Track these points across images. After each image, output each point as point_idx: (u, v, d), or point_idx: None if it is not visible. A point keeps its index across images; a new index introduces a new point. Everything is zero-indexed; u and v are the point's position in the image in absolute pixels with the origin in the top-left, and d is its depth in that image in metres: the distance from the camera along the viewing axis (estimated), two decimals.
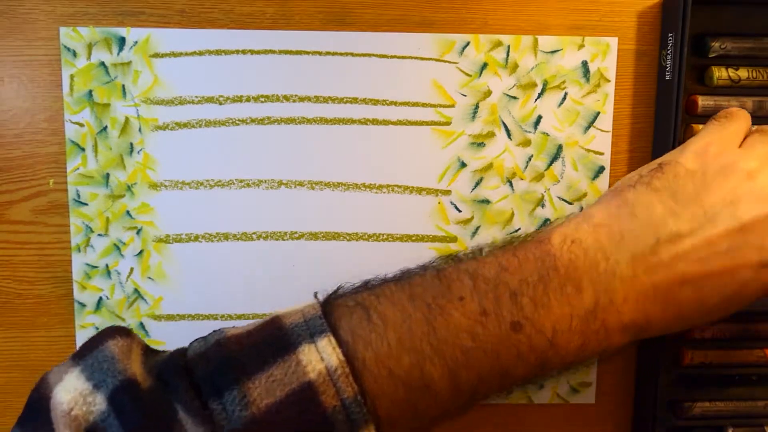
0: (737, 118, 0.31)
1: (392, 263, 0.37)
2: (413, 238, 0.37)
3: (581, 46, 0.36)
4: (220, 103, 0.36)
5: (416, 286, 0.27)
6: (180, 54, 0.36)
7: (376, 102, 0.36)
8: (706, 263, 0.27)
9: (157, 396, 0.24)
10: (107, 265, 0.37)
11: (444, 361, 0.25)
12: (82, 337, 0.37)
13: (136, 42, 0.35)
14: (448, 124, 0.36)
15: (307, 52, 0.36)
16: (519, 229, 0.37)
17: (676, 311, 0.27)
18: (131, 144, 0.36)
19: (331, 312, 0.26)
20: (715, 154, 0.29)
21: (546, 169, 0.37)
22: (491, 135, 0.37)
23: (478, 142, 0.37)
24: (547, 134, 0.37)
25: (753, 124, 0.35)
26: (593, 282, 0.27)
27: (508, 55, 0.36)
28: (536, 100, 0.36)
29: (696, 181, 0.28)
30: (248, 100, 0.36)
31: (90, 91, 0.35)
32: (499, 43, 0.36)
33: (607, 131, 0.37)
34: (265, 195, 0.36)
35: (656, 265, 0.27)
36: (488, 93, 0.36)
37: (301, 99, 0.36)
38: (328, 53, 0.36)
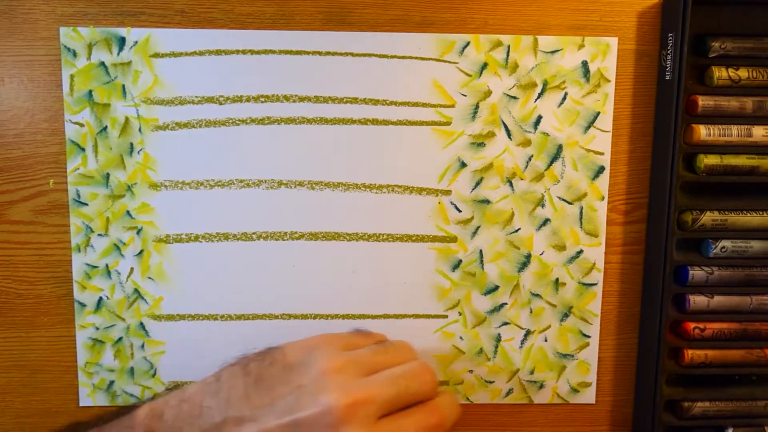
0: (365, 336, 0.34)
1: (392, 263, 0.37)
2: (413, 238, 0.37)
3: (581, 46, 0.36)
4: (220, 103, 0.36)
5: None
6: (180, 54, 0.36)
7: (376, 102, 0.36)
8: None
9: None
10: (107, 265, 0.37)
11: None
12: (82, 337, 0.37)
13: (136, 42, 0.35)
14: (448, 124, 0.36)
15: (307, 52, 0.36)
16: (519, 229, 0.37)
17: None
18: (131, 144, 0.36)
19: None
20: (309, 349, 0.31)
21: (546, 169, 0.37)
22: (491, 135, 0.37)
23: (478, 142, 0.37)
24: (547, 134, 0.37)
25: (753, 123, 0.35)
26: None
27: (508, 55, 0.36)
28: (536, 100, 0.36)
29: (281, 371, 0.30)
30: (248, 100, 0.36)
31: (90, 91, 0.35)
32: (499, 43, 0.36)
33: (607, 131, 0.37)
34: (265, 195, 0.36)
35: None
36: (488, 93, 0.36)
37: (301, 99, 0.36)
38: (328, 53, 0.36)
